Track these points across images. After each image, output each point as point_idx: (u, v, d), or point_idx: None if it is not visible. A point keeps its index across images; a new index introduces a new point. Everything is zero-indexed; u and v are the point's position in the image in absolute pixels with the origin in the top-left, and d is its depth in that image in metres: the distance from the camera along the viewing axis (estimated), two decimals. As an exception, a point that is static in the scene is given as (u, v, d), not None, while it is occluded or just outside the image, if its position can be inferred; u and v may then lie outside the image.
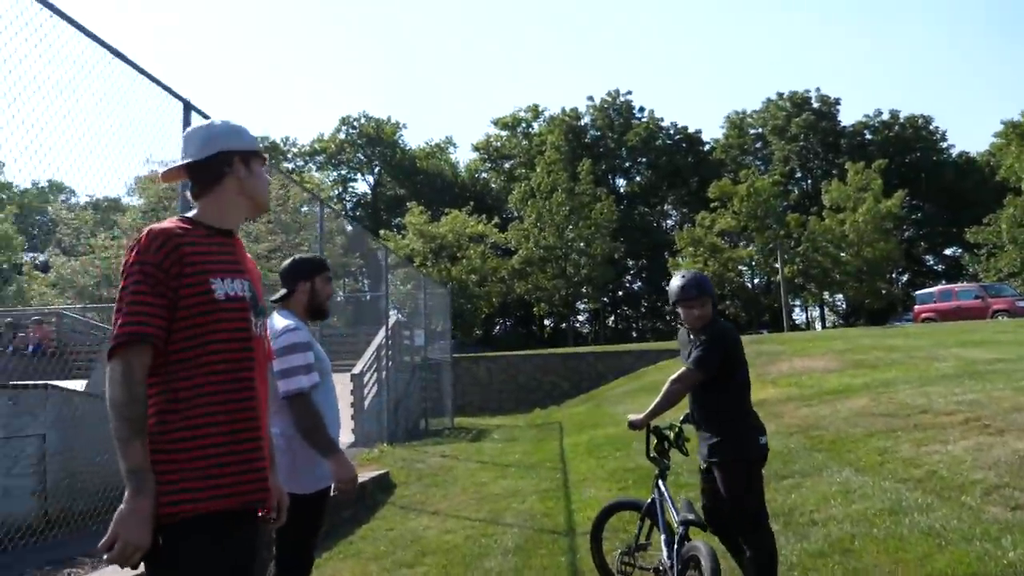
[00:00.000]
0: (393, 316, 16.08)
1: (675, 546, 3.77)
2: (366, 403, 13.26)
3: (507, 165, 66.95)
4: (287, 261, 3.60)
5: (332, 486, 3.39)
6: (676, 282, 4.14)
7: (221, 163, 2.23)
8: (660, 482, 4.20)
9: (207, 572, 1.99)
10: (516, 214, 53.69)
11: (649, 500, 4.28)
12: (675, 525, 3.92)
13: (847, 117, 79.79)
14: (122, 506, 1.88)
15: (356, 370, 13.37)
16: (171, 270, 2.04)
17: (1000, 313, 26.98)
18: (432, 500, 7.78)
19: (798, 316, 60.05)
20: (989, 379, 9.76)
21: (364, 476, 8.22)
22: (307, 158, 67.32)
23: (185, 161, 2.25)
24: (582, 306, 55.80)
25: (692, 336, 4.12)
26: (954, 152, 63.06)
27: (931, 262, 63.01)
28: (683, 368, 4.01)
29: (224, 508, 2.02)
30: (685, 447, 4.19)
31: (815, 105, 62.53)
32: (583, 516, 6.38)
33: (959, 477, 5.67)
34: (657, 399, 4.07)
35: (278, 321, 3.37)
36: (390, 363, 15.14)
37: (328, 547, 5.94)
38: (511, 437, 13.74)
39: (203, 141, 2.24)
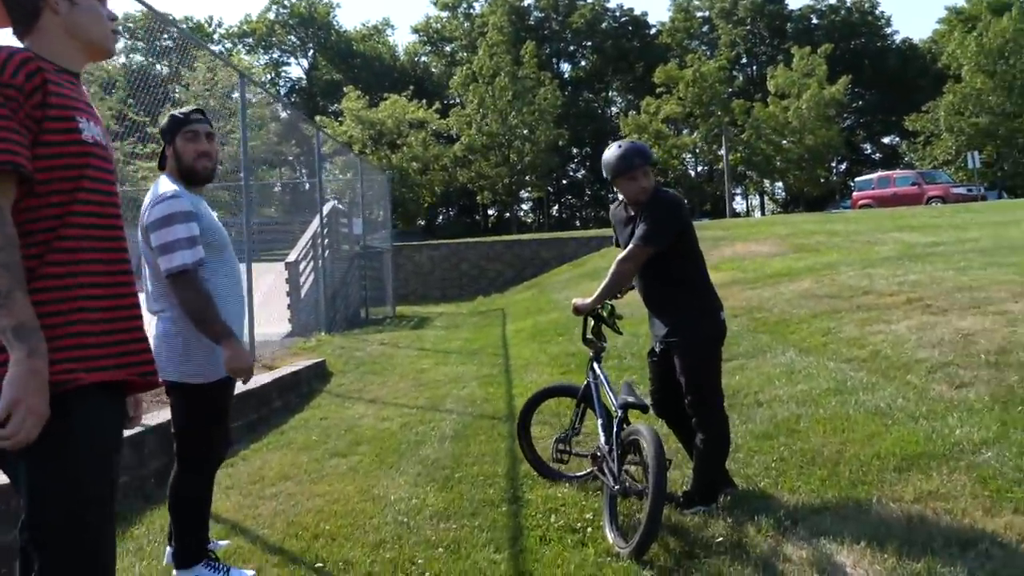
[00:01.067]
0: (330, 204, 15.46)
1: (613, 429, 3.55)
2: (302, 292, 12.85)
3: (448, 48, 64.57)
4: None
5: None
6: (613, 152, 3.71)
7: None
8: (595, 364, 3.96)
9: (99, 449, 1.71)
10: (458, 100, 52.14)
11: (584, 384, 4.05)
12: (613, 408, 3.69)
13: (794, 1, 78.82)
14: (14, 368, 1.53)
15: (290, 258, 12.87)
16: (33, 97, 1.64)
17: (935, 199, 27.52)
18: (369, 388, 7.53)
19: (738, 204, 60.71)
20: (929, 261, 9.80)
21: (299, 365, 7.92)
22: (235, 40, 63.72)
23: None
24: (525, 195, 55.28)
25: (631, 211, 3.77)
26: (898, 39, 63.02)
27: (868, 150, 63.83)
28: (630, 246, 3.65)
29: (113, 379, 1.75)
30: (618, 325, 3.94)
31: (763, -12, 61.30)
32: (524, 401, 6.19)
33: (903, 356, 5.59)
34: (604, 281, 3.73)
35: (160, 185, 2.92)
36: (327, 252, 14.64)
37: (256, 438, 5.66)
38: (453, 324, 13.54)
39: None
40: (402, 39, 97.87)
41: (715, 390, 3.62)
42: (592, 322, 3.97)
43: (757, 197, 62.05)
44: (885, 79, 58.28)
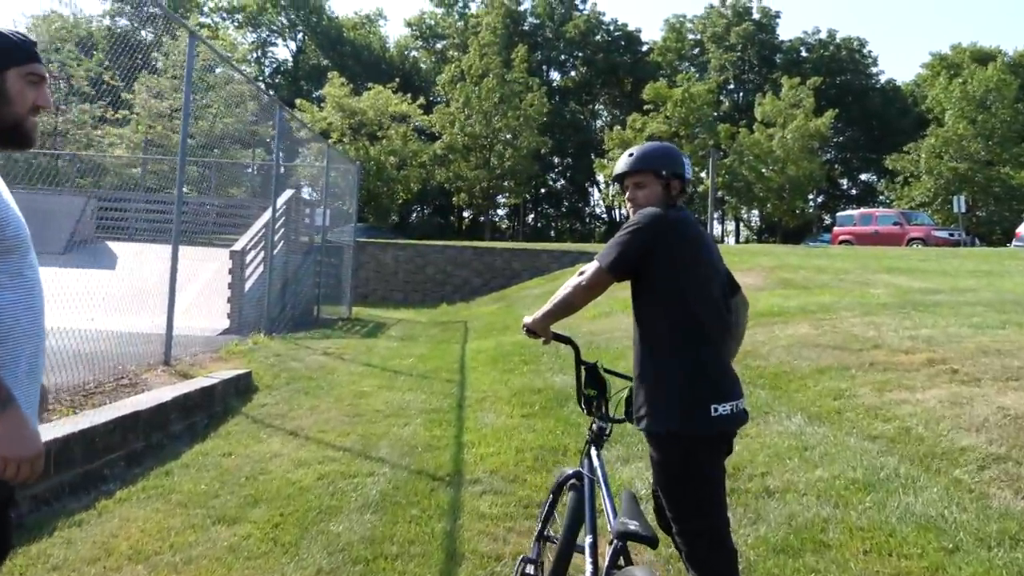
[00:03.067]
0: (290, 191, 14.24)
1: (607, 563, 2.40)
2: (247, 285, 11.62)
3: (439, 45, 63.38)
4: None
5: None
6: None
7: None
8: (593, 451, 2.79)
9: None
10: (443, 98, 50.95)
11: (572, 471, 2.90)
12: (609, 527, 2.55)
13: (785, 32, 79.39)
14: None
15: (237, 246, 11.63)
16: None
17: (916, 241, 27.02)
18: (295, 413, 6.35)
19: (714, 229, 60.25)
20: (935, 312, 8.87)
21: (217, 376, 6.72)
22: (224, 15, 61.93)
23: None
24: (503, 200, 54.17)
25: None
26: (882, 79, 63.24)
27: (846, 186, 63.94)
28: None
29: None
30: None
31: (755, 16, 61.30)
32: (475, 455, 5.07)
33: (942, 440, 4.56)
34: (554, 296, 2.72)
35: None
36: (283, 242, 13.42)
37: (132, 479, 4.46)
38: (410, 334, 12.37)
39: None
40: (394, 31, 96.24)
41: (697, 513, 2.47)
42: (586, 378, 2.83)
43: (732, 223, 61.63)
44: (867, 117, 58.51)
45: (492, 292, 20.41)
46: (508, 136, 44.04)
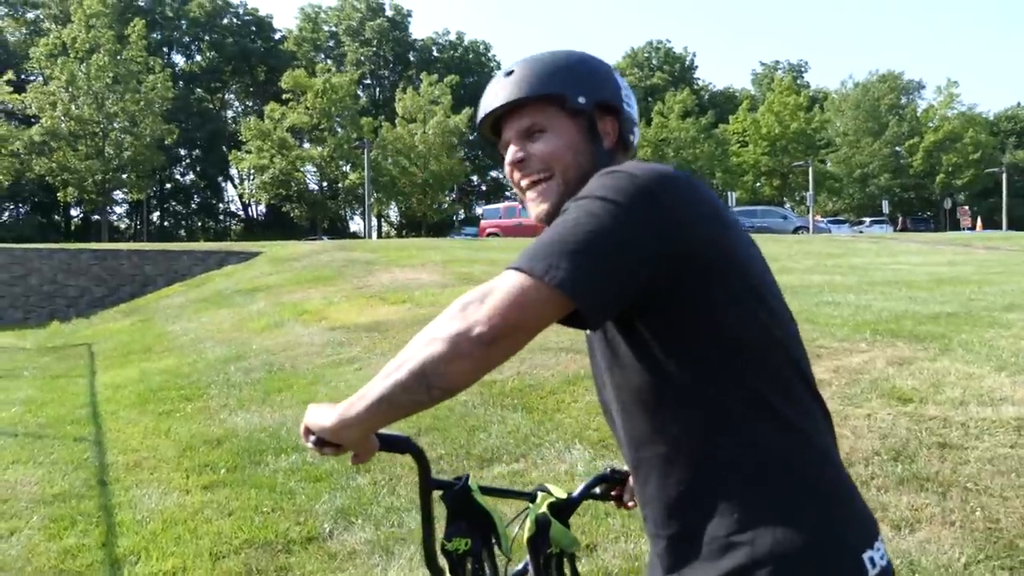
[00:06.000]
0: None
1: None
2: None
3: (31, 15, 53.82)
4: None
5: None
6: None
7: None
8: None
9: None
10: (40, 75, 43.24)
11: None
12: None
13: (418, 31, 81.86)
14: None
15: None
16: None
17: (551, 232, 28.73)
18: None
19: (355, 225, 60.20)
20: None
21: None
22: None
23: None
24: (121, 195, 47.64)
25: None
26: (503, 83, 68.43)
27: (476, 181, 67.72)
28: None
29: None
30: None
31: (388, 13, 62.14)
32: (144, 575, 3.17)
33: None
34: (394, 364, 1.02)
35: None
36: None
37: None
38: (10, 369, 9.30)
39: None
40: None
41: None
42: (448, 510, 1.32)
43: (375, 219, 61.70)
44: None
45: (121, 303, 17.00)
46: (126, 122, 38.62)
